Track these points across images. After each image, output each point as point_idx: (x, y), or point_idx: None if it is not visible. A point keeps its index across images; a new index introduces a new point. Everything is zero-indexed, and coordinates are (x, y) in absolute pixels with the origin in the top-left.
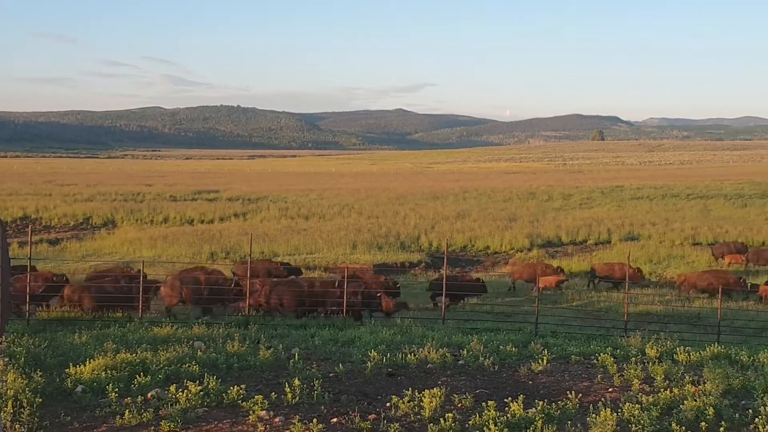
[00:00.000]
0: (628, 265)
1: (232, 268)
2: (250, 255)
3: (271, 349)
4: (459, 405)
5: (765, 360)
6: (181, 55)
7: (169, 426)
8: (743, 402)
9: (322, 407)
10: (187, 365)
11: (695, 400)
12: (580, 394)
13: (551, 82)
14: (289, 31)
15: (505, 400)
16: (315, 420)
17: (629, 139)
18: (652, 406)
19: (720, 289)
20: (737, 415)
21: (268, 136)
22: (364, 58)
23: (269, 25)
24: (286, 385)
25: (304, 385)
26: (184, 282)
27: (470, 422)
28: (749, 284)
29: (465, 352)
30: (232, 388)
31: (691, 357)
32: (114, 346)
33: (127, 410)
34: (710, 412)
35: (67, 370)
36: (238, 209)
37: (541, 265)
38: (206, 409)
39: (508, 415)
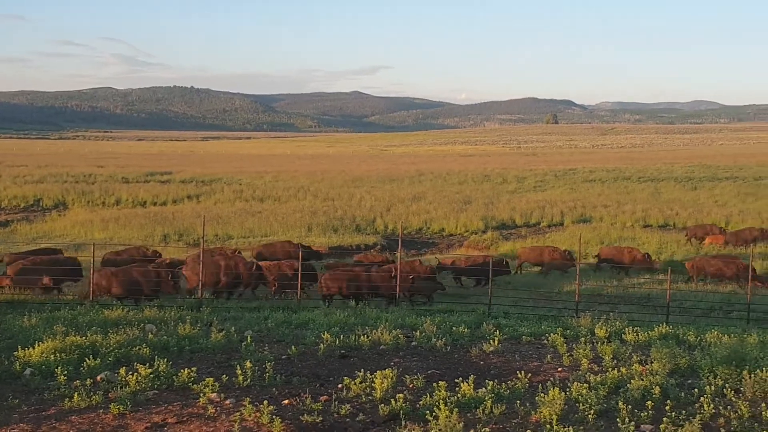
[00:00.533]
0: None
1: (254, 250)
2: (203, 238)
3: (223, 332)
4: (410, 386)
5: (711, 340)
6: (134, 36)
7: (118, 409)
8: (689, 381)
9: (274, 389)
10: (137, 348)
11: (642, 380)
12: (530, 374)
13: (506, 66)
14: (245, 12)
15: (456, 380)
16: (266, 402)
17: (583, 123)
18: (599, 385)
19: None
20: (683, 393)
21: (222, 117)
22: (320, 39)
23: (225, 6)
24: (238, 368)
25: (256, 368)
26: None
27: (421, 402)
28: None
29: (418, 333)
30: (182, 370)
31: (640, 337)
32: (63, 328)
33: (77, 393)
34: (656, 391)
35: (15, 353)
36: (192, 191)
37: (549, 249)
38: (156, 391)
39: (459, 395)
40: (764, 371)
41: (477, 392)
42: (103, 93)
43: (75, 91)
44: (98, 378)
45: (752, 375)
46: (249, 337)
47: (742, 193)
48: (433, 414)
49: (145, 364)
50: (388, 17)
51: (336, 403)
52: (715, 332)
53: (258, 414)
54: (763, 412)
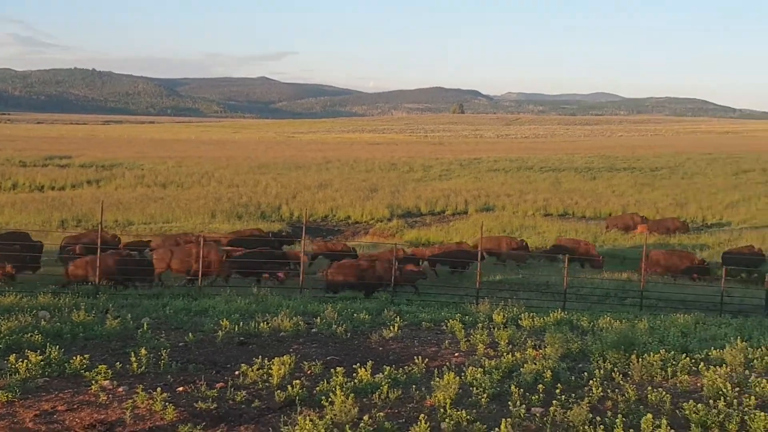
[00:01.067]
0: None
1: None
2: (101, 224)
3: (119, 319)
4: (308, 372)
5: (604, 325)
6: (33, 16)
7: (7, 396)
8: (580, 365)
9: (169, 376)
10: (29, 335)
11: (535, 364)
12: (427, 359)
13: (415, 55)
14: None
15: (354, 366)
16: (159, 389)
17: (488, 113)
18: (494, 370)
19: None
20: (573, 377)
21: (124, 101)
22: (226, 22)
23: None
24: (132, 355)
25: (151, 355)
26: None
27: (318, 388)
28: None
29: (319, 320)
30: (75, 357)
31: (535, 322)
32: None
33: None
34: (548, 375)
35: None
36: (92, 176)
37: (506, 239)
38: (47, 379)
39: (356, 380)
40: (652, 355)
41: (374, 378)
42: (0, 74)
43: None
44: None
45: (640, 359)
46: (146, 325)
47: (639, 183)
48: (329, 399)
49: (36, 351)
50: (296, 1)
51: (232, 389)
52: (608, 318)
53: (151, 401)
54: (649, 395)
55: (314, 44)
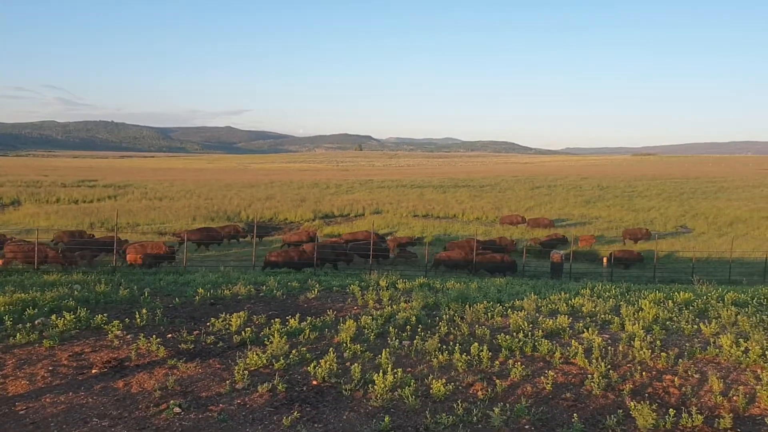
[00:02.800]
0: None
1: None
2: (116, 225)
3: (128, 290)
4: (256, 322)
5: (450, 286)
6: (70, 83)
7: (49, 343)
8: (434, 312)
9: (162, 327)
10: (66, 301)
11: (405, 313)
12: (336, 312)
13: (329, 111)
14: (150, 65)
15: (287, 317)
16: (155, 336)
17: (377, 150)
18: (379, 317)
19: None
20: (429, 320)
21: (133, 143)
22: (203, 89)
23: (135, 65)
24: (137, 314)
25: (150, 313)
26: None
27: (262, 333)
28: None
29: (264, 287)
30: (97, 316)
31: (407, 285)
32: (12, 288)
33: (19, 333)
34: (413, 320)
35: None
36: (111, 193)
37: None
38: (78, 330)
39: (288, 327)
40: (479, 305)
41: (300, 325)
42: (48, 125)
43: (27, 123)
44: (36, 322)
45: (471, 307)
46: (146, 292)
47: (472, 195)
48: (270, 340)
49: (70, 312)
50: (251, 74)
51: (204, 335)
52: (452, 282)
53: (149, 344)
54: (477, 331)
55: (263, 103)
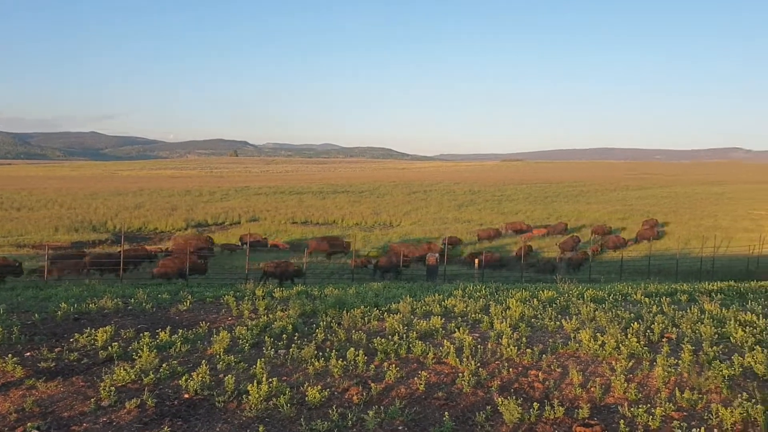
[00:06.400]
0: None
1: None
2: None
3: None
4: (124, 336)
5: (328, 293)
6: None
7: None
8: (311, 320)
9: (19, 346)
10: None
11: (282, 321)
12: (209, 323)
13: (202, 115)
14: (4, 66)
15: (157, 330)
16: (11, 355)
17: (254, 156)
18: (254, 327)
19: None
20: (306, 328)
21: None
22: (65, 92)
23: None
24: None
25: (6, 331)
26: None
27: (131, 347)
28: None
29: (133, 300)
30: None
31: (284, 294)
32: None
33: None
34: (290, 327)
35: None
36: None
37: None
38: None
39: (158, 340)
40: (356, 310)
41: (171, 338)
42: None
43: None
44: None
45: (348, 313)
46: (1, 309)
47: (352, 201)
48: (138, 354)
49: None
50: (118, 78)
51: (67, 352)
52: (330, 287)
53: (4, 364)
54: (353, 336)
55: (131, 108)
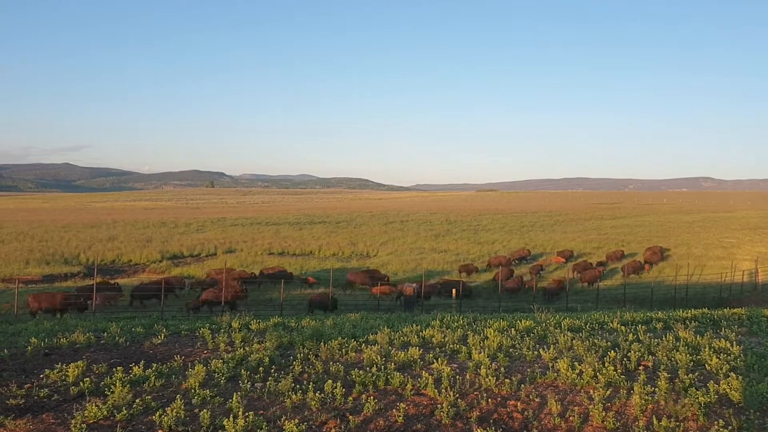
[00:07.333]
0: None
1: None
2: None
3: None
4: (96, 371)
5: (305, 324)
6: None
7: None
8: (288, 352)
9: None
10: None
11: (258, 354)
12: (184, 357)
13: (178, 147)
14: None
15: (131, 365)
16: None
17: (231, 187)
18: (230, 360)
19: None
20: (284, 360)
21: None
22: (37, 123)
23: None
24: None
25: None
26: None
27: (103, 382)
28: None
29: (106, 334)
30: None
31: (260, 326)
32: None
33: None
34: (267, 360)
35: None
36: None
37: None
38: None
39: (132, 375)
40: (333, 342)
41: (145, 372)
42: None
43: None
44: None
45: (326, 344)
46: None
47: (329, 231)
48: (111, 390)
49: None
50: (91, 108)
51: (37, 388)
52: (308, 319)
53: None
54: (331, 368)
55: (105, 139)
